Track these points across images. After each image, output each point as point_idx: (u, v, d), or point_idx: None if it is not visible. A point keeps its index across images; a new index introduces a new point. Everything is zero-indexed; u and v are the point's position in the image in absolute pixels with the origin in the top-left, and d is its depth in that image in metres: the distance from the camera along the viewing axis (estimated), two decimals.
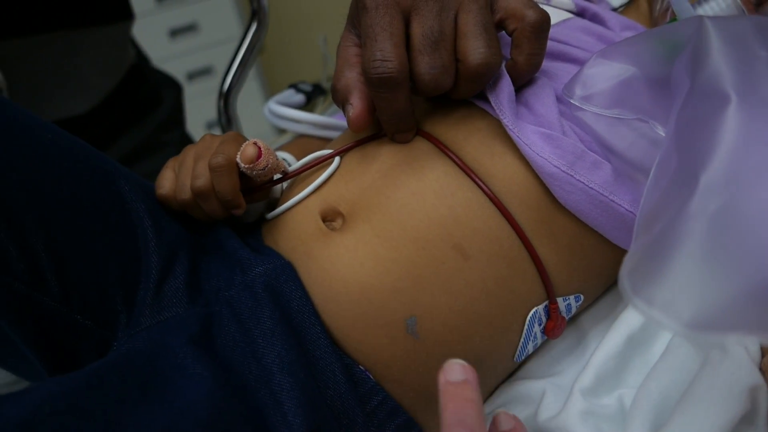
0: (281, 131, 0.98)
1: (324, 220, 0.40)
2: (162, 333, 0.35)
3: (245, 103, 1.01)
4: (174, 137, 0.92)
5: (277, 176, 0.43)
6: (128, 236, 0.39)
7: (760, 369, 0.34)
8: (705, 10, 0.42)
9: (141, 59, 0.90)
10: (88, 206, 0.38)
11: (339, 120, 0.58)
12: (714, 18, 0.32)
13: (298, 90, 0.66)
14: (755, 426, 0.32)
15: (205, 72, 1.77)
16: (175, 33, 1.72)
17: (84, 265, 0.37)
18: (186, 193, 0.41)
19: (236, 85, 0.80)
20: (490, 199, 0.37)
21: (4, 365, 0.42)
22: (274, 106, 0.58)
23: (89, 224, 0.37)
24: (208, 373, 0.32)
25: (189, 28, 1.73)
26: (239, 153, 0.39)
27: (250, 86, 1.78)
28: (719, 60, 0.30)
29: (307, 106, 0.67)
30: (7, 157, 0.35)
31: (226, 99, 0.80)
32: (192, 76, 1.75)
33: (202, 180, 0.39)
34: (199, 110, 1.52)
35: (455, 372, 0.27)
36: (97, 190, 0.39)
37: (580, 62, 0.43)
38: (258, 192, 0.42)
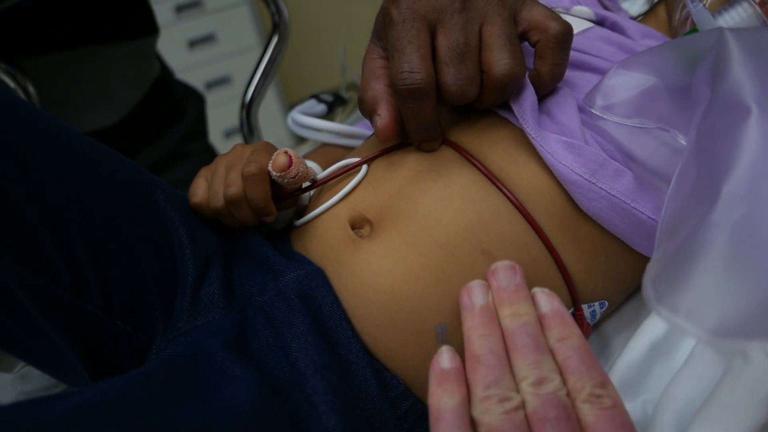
0: (300, 139, 0.99)
1: (352, 227, 0.41)
2: (200, 338, 0.37)
3: (262, 113, 1.03)
4: (197, 147, 0.95)
5: (306, 184, 0.44)
6: (164, 244, 0.41)
7: None
8: (725, 19, 0.42)
9: (165, 72, 0.92)
10: (126, 217, 0.39)
11: (361, 129, 0.59)
12: (734, 30, 0.33)
13: (320, 100, 0.67)
14: None
15: (223, 81, 1.80)
16: (194, 43, 1.75)
17: (124, 274, 0.38)
18: (219, 201, 0.42)
19: (258, 96, 0.81)
20: (516, 207, 0.38)
21: (47, 369, 0.43)
22: (297, 116, 0.60)
23: (128, 234, 0.39)
24: (247, 375, 0.33)
25: (207, 39, 1.76)
26: (271, 162, 0.41)
27: (267, 96, 1.80)
28: (740, 71, 0.30)
29: (328, 115, 0.68)
30: (52, 171, 0.37)
31: (248, 110, 0.82)
32: (210, 85, 1.78)
33: (235, 188, 0.41)
34: (217, 119, 1.55)
35: (444, 359, 0.31)
36: (134, 200, 0.40)
37: (600, 71, 0.44)
38: (288, 199, 0.44)
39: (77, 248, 0.37)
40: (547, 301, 0.32)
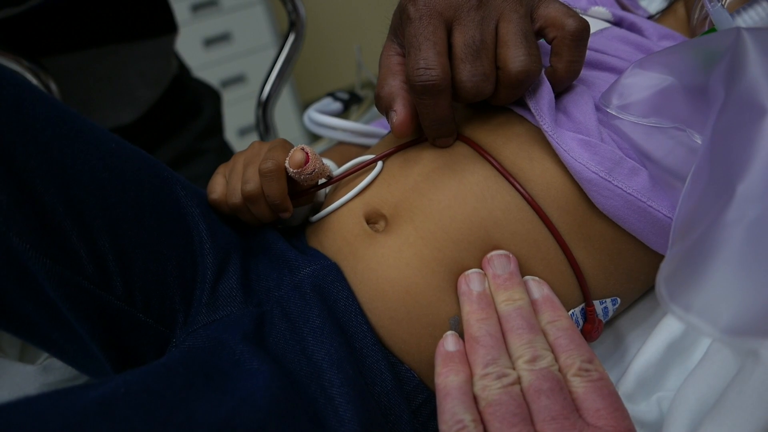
0: (314, 137, 1.00)
1: (367, 222, 0.42)
2: (218, 331, 0.38)
3: (277, 111, 1.04)
4: (213, 144, 0.96)
5: (322, 181, 0.45)
6: (185, 239, 0.41)
7: None
8: (744, 19, 0.42)
9: (182, 70, 0.93)
10: (149, 211, 0.40)
11: (376, 127, 0.59)
12: (751, 29, 0.33)
13: (336, 98, 0.68)
14: None
15: (238, 80, 1.82)
16: (210, 42, 1.77)
17: (146, 266, 0.39)
18: (237, 197, 0.43)
19: (274, 94, 0.82)
20: (529, 202, 0.39)
21: (70, 360, 0.44)
22: (314, 114, 0.60)
23: (150, 228, 0.40)
24: (265, 368, 0.34)
25: (223, 37, 1.78)
26: (287, 158, 0.41)
27: (282, 94, 1.82)
28: (756, 72, 0.31)
29: (344, 113, 0.69)
30: (79, 164, 0.38)
31: (264, 108, 0.83)
32: (226, 83, 1.79)
33: (252, 184, 0.42)
34: (233, 117, 1.56)
35: (449, 343, 0.35)
36: (156, 195, 0.41)
37: (617, 71, 0.44)
38: (304, 196, 0.44)
39: (101, 241, 0.38)
40: (538, 287, 0.36)
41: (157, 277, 0.40)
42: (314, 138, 0.96)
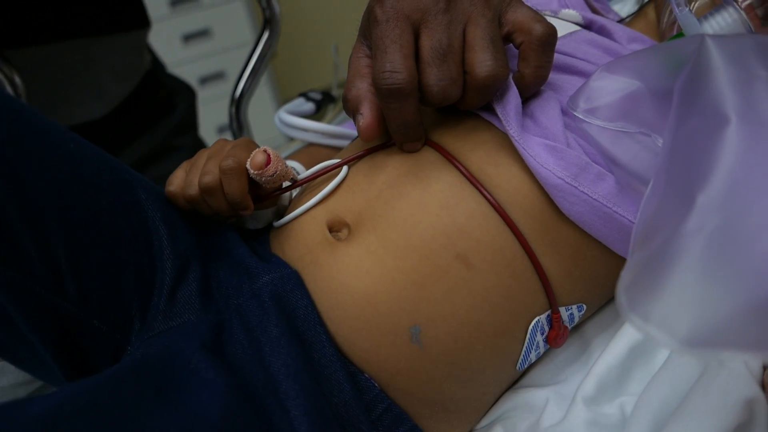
0: (291, 138, 0.99)
1: (331, 230, 0.41)
2: (175, 339, 0.37)
3: (256, 110, 1.02)
4: (187, 141, 0.94)
5: (286, 184, 0.44)
6: (144, 243, 0.40)
7: (762, 384, 0.34)
8: (711, 24, 0.42)
9: (156, 65, 0.92)
10: (107, 213, 0.39)
11: (348, 129, 0.58)
12: (715, 36, 0.32)
13: (308, 98, 0.67)
14: None
15: (217, 77, 1.79)
16: (189, 38, 1.74)
17: (102, 270, 0.38)
18: (193, 189, 0.42)
19: (248, 91, 0.81)
20: (495, 209, 0.38)
21: (22, 365, 0.43)
22: (284, 115, 0.59)
23: (108, 231, 0.39)
24: (221, 379, 0.33)
25: (202, 34, 1.75)
26: (249, 159, 0.40)
27: (262, 92, 1.80)
28: (719, 80, 0.30)
29: (317, 114, 0.68)
30: (33, 164, 0.37)
31: (237, 105, 0.82)
32: (204, 80, 1.77)
33: (210, 177, 0.41)
34: (211, 114, 1.54)
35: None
36: (116, 198, 0.40)
37: (586, 75, 0.44)
38: (267, 199, 0.43)
39: (54, 243, 0.37)
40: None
41: (114, 282, 0.38)
42: (290, 139, 0.95)
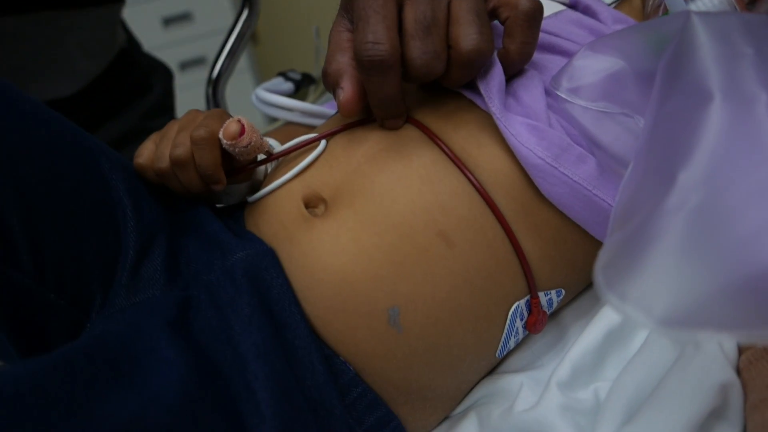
0: (272, 121, 0.97)
1: (307, 206, 0.40)
2: (137, 315, 0.35)
3: (238, 95, 1.00)
4: (163, 123, 0.91)
5: (261, 157, 0.42)
6: (107, 215, 0.38)
7: (737, 368, 0.34)
8: (698, 6, 0.41)
9: (132, 44, 0.89)
10: (66, 182, 0.37)
11: (327, 108, 0.57)
12: (701, 14, 0.32)
13: (287, 78, 0.65)
14: (728, 420, 0.32)
15: (198, 62, 1.75)
16: (169, 21, 1.70)
17: (60, 242, 0.36)
18: (164, 162, 0.40)
19: (225, 72, 0.79)
20: (476, 188, 0.37)
21: None
22: (261, 92, 0.58)
23: (67, 200, 0.37)
24: (182, 359, 0.31)
25: (183, 17, 1.72)
26: (222, 129, 0.39)
27: (244, 78, 1.77)
28: (704, 57, 0.30)
29: (297, 95, 0.66)
30: None
31: (215, 87, 0.80)
32: (185, 65, 1.73)
33: (182, 149, 0.39)
34: (191, 100, 1.50)
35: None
36: (76, 166, 0.38)
37: (570, 54, 0.43)
38: (241, 173, 0.42)
39: (6, 210, 0.34)
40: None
41: (73, 255, 0.36)
42: (272, 121, 0.93)
